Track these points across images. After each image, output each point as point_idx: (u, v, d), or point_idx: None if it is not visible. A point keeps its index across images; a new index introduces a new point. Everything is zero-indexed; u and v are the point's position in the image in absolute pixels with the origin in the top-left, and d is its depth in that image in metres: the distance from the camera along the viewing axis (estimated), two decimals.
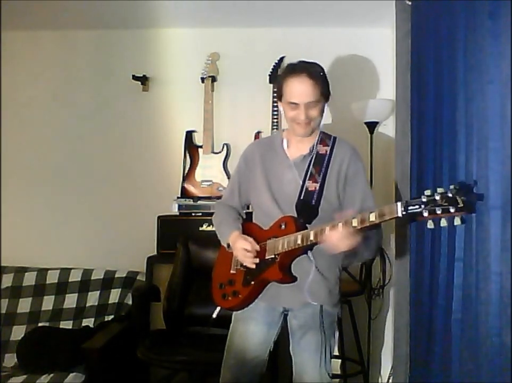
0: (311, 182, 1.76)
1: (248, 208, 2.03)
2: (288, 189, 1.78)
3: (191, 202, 2.91)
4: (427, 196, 1.36)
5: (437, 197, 1.34)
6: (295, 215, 1.74)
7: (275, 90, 2.99)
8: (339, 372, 2.89)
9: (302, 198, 1.75)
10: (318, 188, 1.75)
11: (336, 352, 2.76)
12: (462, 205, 1.32)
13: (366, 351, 2.87)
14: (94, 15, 2.90)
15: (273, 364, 2.53)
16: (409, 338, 2.30)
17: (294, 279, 1.73)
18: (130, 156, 3.14)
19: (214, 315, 1.91)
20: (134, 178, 3.13)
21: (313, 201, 1.74)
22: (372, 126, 2.87)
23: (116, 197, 3.13)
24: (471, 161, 1.61)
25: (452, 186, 1.34)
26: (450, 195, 1.33)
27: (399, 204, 1.42)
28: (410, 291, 2.28)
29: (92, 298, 2.83)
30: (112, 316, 2.74)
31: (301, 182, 1.77)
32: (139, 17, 2.93)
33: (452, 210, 1.32)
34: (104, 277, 2.88)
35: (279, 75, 1.85)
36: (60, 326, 2.73)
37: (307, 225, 1.73)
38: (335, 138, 1.84)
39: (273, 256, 1.73)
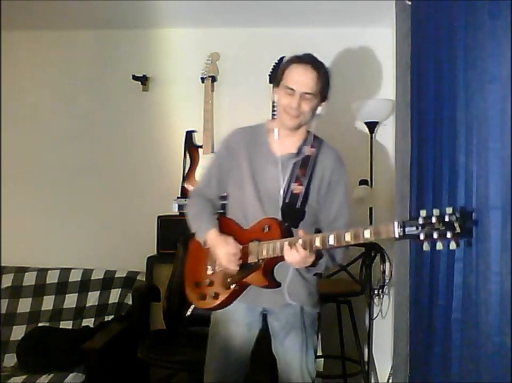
0: (296, 184, 1.71)
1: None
2: (271, 187, 1.73)
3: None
4: (423, 217, 1.36)
5: (434, 220, 1.33)
6: (280, 218, 1.69)
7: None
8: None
9: (287, 201, 1.70)
10: (303, 191, 1.71)
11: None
12: (459, 231, 1.30)
13: (366, 351, 2.88)
14: (94, 15, 2.91)
15: (273, 365, 2.53)
16: (409, 338, 2.30)
17: (278, 284, 1.69)
18: (130, 156, 3.14)
19: (189, 313, 1.89)
20: (134, 178, 3.13)
21: (298, 204, 1.70)
22: (372, 126, 2.88)
23: (116, 197, 3.13)
24: (471, 161, 1.61)
25: (449, 210, 1.33)
26: (447, 220, 1.32)
27: (396, 224, 1.40)
28: (410, 291, 2.28)
29: (92, 298, 2.83)
30: (112, 316, 2.75)
31: (287, 184, 1.72)
32: (139, 17, 2.93)
33: (448, 235, 1.31)
34: (104, 277, 2.88)
35: (284, 61, 1.79)
36: (60, 326, 2.73)
37: (292, 229, 1.69)
38: (321, 141, 1.80)
39: (256, 261, 1.68)
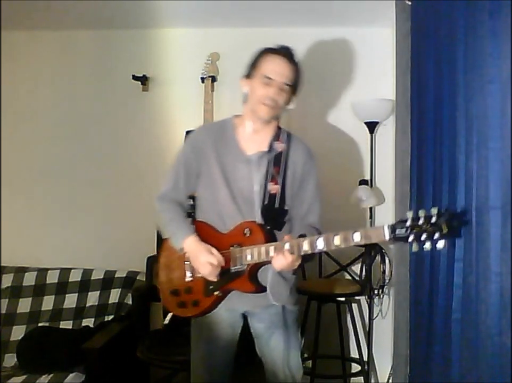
0: (272, 184, 1.68)
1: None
2: (244, 187, 1.69)
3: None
4: (411, 219, 1.38)
5: (421, 221, 1.36)
6: (259, 220, 1.66)
7: None
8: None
9: (266, 202, 1.67)
10: (279, 190, 1.68)
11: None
12: (446, 231, 1.33)
13: (366, 351, 2.88)
14: (94, 15, 2.90)
15: None
16: (408, 338, 2.30)
17: (264, 289, 1.66)
18: (129, 156, 3.14)
19: (166, 321, 1.87)
20: (134, 178, 3.13)
21: (277, 205, 1.67)
22: (372, 126, 2.88)
23: (116, 197, 3.13)
24: (471, 161, 1.61)
25: (434, 211, 1.35)
26: (434, 220, 1.34)
27: (385, 227, 1.42)
28: (410, 291, 2.28)
29: (92, 298, 2.83)
30: (112, 316, 2.75)
31: (263, 184, 1.68)
32: (139, 17, 2.93)
33: (436, 236, 1.34)
34: (104, 277, 2.88)
35: (258, 52, 1.78)
36: (60, 326, 2.73)
37: (275, 231, 1.67)
38: (291, 136, 1.78)
39: (240, 266, 1.64)
